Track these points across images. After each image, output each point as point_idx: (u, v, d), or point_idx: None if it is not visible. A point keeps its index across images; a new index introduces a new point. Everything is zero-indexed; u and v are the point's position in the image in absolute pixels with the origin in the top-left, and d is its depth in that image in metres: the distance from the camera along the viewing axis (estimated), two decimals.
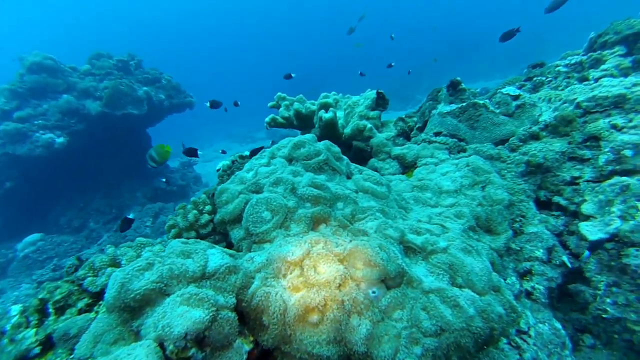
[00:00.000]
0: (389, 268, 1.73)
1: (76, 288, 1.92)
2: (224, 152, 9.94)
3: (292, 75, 7.46)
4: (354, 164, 2.78)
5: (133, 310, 1.48)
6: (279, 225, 1.98)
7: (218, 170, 4.34)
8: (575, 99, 3.43)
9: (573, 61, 6.14)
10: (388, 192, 2.51)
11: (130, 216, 4.14)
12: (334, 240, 1.87)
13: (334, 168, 2.56)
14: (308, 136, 2.67)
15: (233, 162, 4.42)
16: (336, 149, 2.73)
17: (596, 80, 5.20)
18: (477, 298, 1.81)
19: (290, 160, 2.54)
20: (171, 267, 1.58)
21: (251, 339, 1.68)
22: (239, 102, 7.81)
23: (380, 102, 3.85)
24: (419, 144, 3.53)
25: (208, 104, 6.96)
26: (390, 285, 1.76)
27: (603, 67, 5.48)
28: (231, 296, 1.60)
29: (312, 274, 1.66)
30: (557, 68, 6.21)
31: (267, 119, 3.80)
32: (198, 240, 1.87)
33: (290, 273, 1.69)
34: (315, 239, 1.84)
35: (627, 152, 2.96)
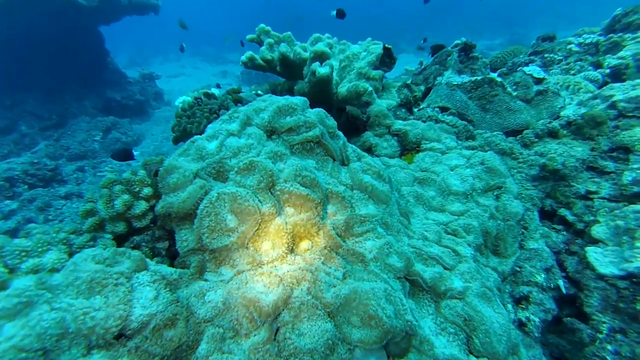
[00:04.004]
0: (394, 328, 1.23)
1: None
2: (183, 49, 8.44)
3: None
4: (350, 146, 2.16)
5: None
6: (247, 240, 1.38)
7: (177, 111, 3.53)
8: (612, 96, 2.93)
9: (588, 41, 5.49)
10: (390, 191, 1.95)
11: (136, 152, 3.17)
12: (322, 276, 1.31)
13: (327, 150, 1.93)
14: (298, 100, 1.98)
15: (196, 99, 3.61)
16: (332, 122, 2.07)
17: (612, 68, 4.69)
18: None
19: (271, 131, 1.86)
20: (63, 319, 0.97)
21: None
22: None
23: (387, 61, 3.14)
24: (424, 121, 2.93)
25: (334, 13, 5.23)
26: (392, 350, 1.28)
27: (621, 53, 4.86)
28: None
29: (289, 338, 1.12)
30: (569, 46, 5.59)
31: (243, 58, 2.97)
32: (121, 251, 1.23)
33: (257, 332, 1.14)
34: (297, 274, 1.28)
35: None
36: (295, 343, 1.11)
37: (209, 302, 1.19)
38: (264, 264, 1.31)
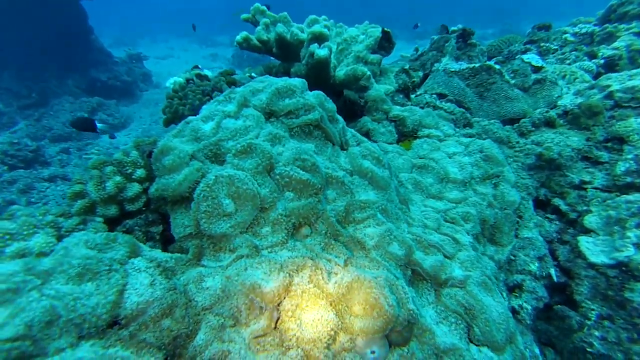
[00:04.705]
0: (397, 317, 1.20)
1: None
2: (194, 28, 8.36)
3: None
4: (350, 130, 2.11)
5: None
6: (246, 226, 1.33)
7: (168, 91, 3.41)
8: (609, 86, 2.92)
9: (583, 30, 5.45)
10: (390, 177, 1.91)
11: (100, 125, 2.96)
12: (324, 263, 1.28)
13: (327, 134, 1.88)
14: (297, 81, 1.91)
15: (188, 81, 3.48)
16: (331, 105, 2.02)
17: (606, 59, 4.68)
18: (495, 359, 1.39)
19: (269, 114, 1.80)
20: (53, 306, 0.91)
21: None
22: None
23: (385, 45, 3.06)
24: (422, 107, 2.89)
25: None
26: (394, 339, 1.26)
27: (615, 44, 4.83)
28: (159, 355, 0.99)
29: (290, 327, 1.08)
30: (565, 35, 5.55)
31: (238, 38, 2.86)
32: (114, 235, 1.17)
33: (257, 321, 1.10)
34: (298, 261, 1.24)
35: None
36: (296, 332, 1.07)
37: (208, 289, 1.14)
38: (263, 250, 1.26)
